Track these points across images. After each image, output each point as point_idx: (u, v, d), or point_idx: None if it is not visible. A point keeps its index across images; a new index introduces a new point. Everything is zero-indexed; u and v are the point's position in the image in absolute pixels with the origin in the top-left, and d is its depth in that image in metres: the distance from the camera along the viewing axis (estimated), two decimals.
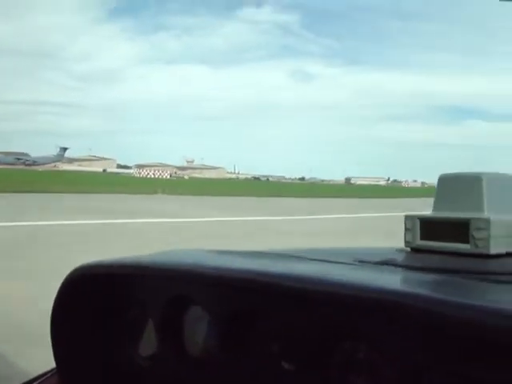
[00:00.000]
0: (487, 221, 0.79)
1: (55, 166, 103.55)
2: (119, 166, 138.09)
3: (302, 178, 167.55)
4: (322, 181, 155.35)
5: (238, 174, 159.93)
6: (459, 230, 0.81)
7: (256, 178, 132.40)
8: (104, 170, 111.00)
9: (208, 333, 0.74)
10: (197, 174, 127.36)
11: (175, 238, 8.79)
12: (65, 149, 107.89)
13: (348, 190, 50.67)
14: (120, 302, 0.85)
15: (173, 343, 0.78)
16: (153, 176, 79.44)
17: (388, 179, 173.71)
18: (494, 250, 0.78)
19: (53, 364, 0.88)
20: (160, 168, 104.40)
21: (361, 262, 0.76)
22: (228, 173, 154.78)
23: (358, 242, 8.20)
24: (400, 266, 0.74)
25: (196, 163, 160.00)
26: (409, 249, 0.89)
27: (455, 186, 0.88)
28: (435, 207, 0.90)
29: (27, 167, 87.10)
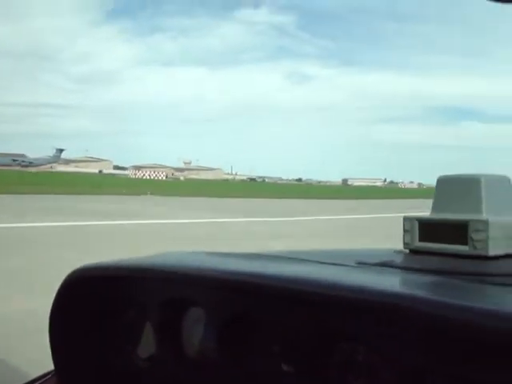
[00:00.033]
0: (485, 222, 0.78)
1: (51, 167, 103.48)
2: (116, 168, 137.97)
3: (299, 179, 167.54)
4: (319, 182, 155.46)
5: (236, 175, 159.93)
6: (458, 231, 0.81)
7: (252, 179, 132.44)
8: (100, 171, 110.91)
9: (206, 335, 0.74)
10: (193, 175, 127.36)
11: (133, 241, 8.48)
12: (61, 150, 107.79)
13: (343, 191, 50.69)
14: (118, 304, 0.86)
15: (171, 345, 0.78)
16: (148, 177, 79.48)
17: (385, 180, 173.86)
18: (492, 252, 0.78)
19: (51, 366, 0.89)
20: (156, 169, 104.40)
21: (359, 263, 0.76)
22: (225, 174, 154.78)
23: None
24: (398, 267, 0.74)
25: (193, 164, 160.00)
26: (407, 250, 0.89)
27: (454, 187, 0.88)
28: (434, 209, 0.90)
29: (23, 168, 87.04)
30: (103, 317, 0.86)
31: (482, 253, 0.78)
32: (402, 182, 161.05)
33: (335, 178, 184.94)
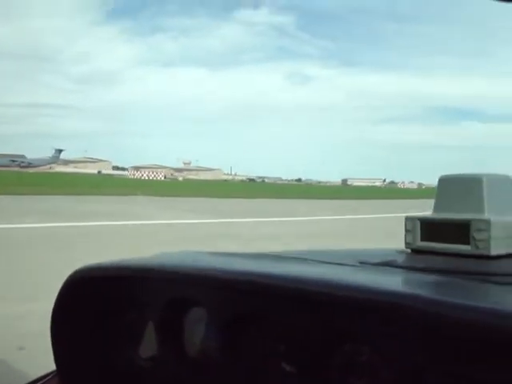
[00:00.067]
0: (488, 222, 0.79)
1: (50, 167, 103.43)
2: (116, 168, 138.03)
3: (299, 180, 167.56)
4: (319, 182, 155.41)
5: (235, 175, 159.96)
6: (460, 231, 0.81)
7: (251, 180, 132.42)
8: (99, 172, 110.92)
9: (208, 335, 0.74)
10: (193, 176, 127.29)
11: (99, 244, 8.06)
12: (60, 150, 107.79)
13: (340, 191, 50.57)
14: (120, 303, 0.85)
15: (173, 345, 0.78)
16: (147, 178, 79.41)
17: (384, 180, 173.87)
18: (494, 251, 0.79)
19: (53, 366, 0.88)
20: (155, 170, 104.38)
21: (361, 263, 0.76)
22: (224, 174, 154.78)
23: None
24: (400, 267, 0.74)
25: (193, 165, 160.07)
26: (409, 250, 0.89)
27: (455, 187, 0.88)
28: (435, 208, 0.90)
29: (22, 169, 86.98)
30: (105, 317, 0.86)
31: (484, 252, 0.79)
32: (402, 182, 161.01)
33: (335, 178, 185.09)
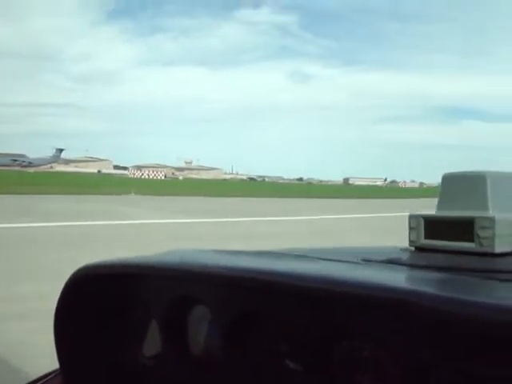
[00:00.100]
0: (492, 219, 0.78)
1: (51, 167, 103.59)
2: (117, 167, 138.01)
3: (300, 179, 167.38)
4: (320, 181, 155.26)
5: (237, 174, 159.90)
6: (464, 228, 0.81)
7: (251, 179, 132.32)
8: (99, 171, 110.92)
9: (212, 333, 0.74)
10: (194, 175, 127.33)
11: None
12: (61, 150, 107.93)
13: (342, 190, 50.44)
14: (124, 302, 0.85)
15: (176, 343, 0.78)
16: (147, 177, 79.39)
17: (385, 180, 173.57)
18: (498, 249, 0.78)
19: (56, 365, 0.88)
20: (155, 169, 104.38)
21: (365, 260, 0.76)
22: (225, 174, 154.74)
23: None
24: (404, 264, 0.74)
25: (194, 164, 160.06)
26: (413, 248, 0.89)
27: (459, 184, 0.87)
28: (439, 206, 0.89)
29: (23, 169, 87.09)
30: (109, 315, 0.86)
31: (489, 250, 0.78)
32: (404, 182, 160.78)
33: (336, 177, 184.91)
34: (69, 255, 6.18)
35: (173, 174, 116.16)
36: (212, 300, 0.73)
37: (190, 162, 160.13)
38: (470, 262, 0.76)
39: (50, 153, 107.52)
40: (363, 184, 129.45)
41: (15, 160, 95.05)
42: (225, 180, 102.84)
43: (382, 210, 19.00)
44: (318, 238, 9.89)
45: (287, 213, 16.75)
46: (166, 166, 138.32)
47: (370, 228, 12.32)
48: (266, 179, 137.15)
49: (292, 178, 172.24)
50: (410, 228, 0.88)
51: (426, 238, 0.86)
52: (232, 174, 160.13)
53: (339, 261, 0.76)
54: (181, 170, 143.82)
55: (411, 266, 0.74)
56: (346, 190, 53.06)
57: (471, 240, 0.80)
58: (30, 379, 0.88)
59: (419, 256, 0.85)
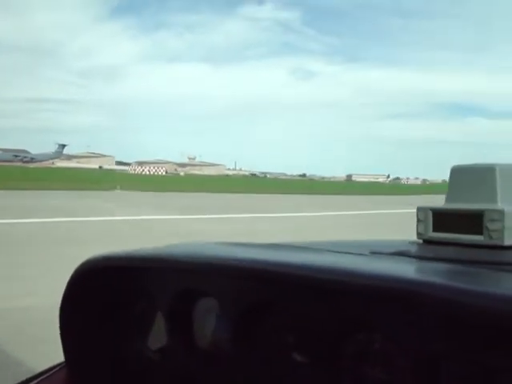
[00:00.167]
0: (501, 212, 0.78)
1: (53, 163, 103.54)
2: (119, 163, 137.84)
3: (303, 175, 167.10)
4: (323, 178, 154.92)
5: (240, 170, 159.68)
6: (473, 221, 0.80)
7: (253, 175, 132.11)
8: (100, 167, 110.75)
9: (219, 325, 0.73)
10: (196, 171, 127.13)
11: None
12: (63, 146, 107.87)
13: (342, 187, 50.09)
14: (129, 295, 0.85)
15: (182, 336, 0.78)
16: (148, 173, 79.15)
17: (388, 176, 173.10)
18: (508, 242, 0.78)
19: (62, 358, 0.88)
20: (158, 165, 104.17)
21: (374, 253, 0.75)
22: (228, 169, 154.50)
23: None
24: (414, 256, 0.73)
25: (197, 160, 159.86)
26: (421, 240, 0.88)
27: (468, 177, 0.86)
28: (448, 199, 0.88)
29: (24, 164, 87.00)
30: (115, 308, 0.85)
31: (498, 242, 0.78)
32: (407, 178, 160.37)
33: (339, 173, 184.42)
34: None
35: (175, 169, 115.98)
36: (220, 292, 0.72)
37: (193, 158, 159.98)
38: (480, 254, 0.76)
39: (52, 148, 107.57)
40: (365, 181, 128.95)
41: (17, 155, 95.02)
42: (227, 176, 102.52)
43: (384, 207, 18.67)
44: (319, 233, 9.68)
45: (288, 209, 16.55)
46: (168, 162, 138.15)
47: (372, 224, 12.06)
48: (268, 175, 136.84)
49: (295, 174, 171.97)
50: (418, 220, 0.87)
51: (434, 230, 0.86)
52: (235, 170, 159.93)
53: (348, 253, 0.76)
54: (183, 165, 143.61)
55: (421, 258, 0.73)
56: (348, 187, 52.69)
57: (480, 233, 0.79)
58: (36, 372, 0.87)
59: (427, 248, 0.84)
